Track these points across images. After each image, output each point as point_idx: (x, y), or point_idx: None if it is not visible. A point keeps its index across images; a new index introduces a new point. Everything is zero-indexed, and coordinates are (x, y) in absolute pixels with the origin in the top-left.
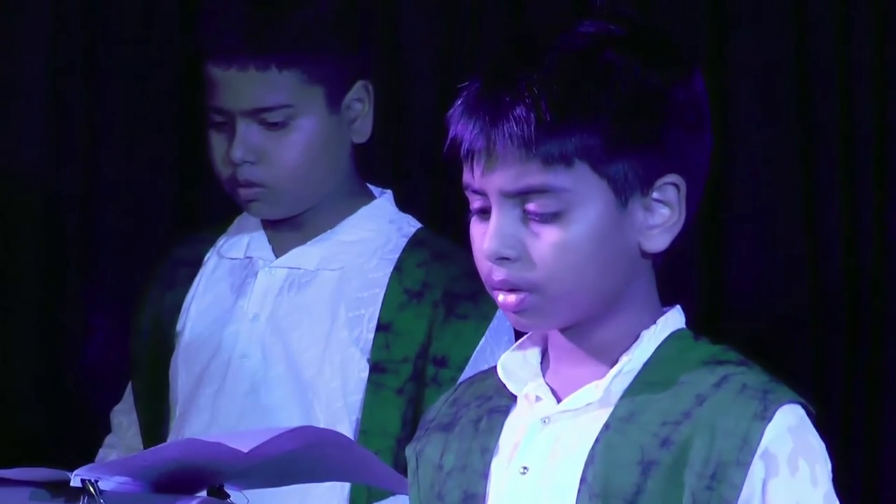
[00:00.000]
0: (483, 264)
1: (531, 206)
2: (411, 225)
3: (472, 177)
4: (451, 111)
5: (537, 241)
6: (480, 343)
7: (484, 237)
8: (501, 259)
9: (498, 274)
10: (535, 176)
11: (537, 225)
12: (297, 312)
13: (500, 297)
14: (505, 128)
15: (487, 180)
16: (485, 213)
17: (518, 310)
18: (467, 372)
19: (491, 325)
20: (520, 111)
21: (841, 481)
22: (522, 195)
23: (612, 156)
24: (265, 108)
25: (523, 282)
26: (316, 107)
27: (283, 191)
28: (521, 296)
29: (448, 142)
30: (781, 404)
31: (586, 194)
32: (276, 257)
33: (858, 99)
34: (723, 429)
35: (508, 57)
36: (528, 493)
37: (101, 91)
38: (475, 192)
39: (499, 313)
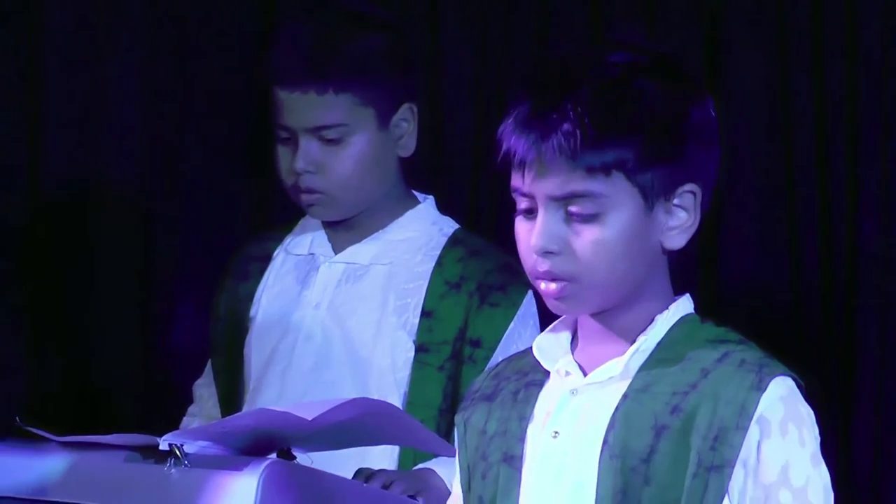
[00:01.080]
0: (529, 257)
1: (574, 209)
2: (450, 226)
3: (523, 182)
4: (502, 128)
5: (578, 238)
6: (510, 327)
7: (530, 234)
8: (547, 253)
9: (543, 265)
10: (579, 183)
11: (578, 224)
12: (353, 301)
13: (543, 286)
14: (554, 141)
15: (537, 186)
16: (530, 213)
17: (559, 297)
18: (498, 351)
19: (518, 311)
20: (567, 127)
21: (823, 447)
22: (566, 199)
23: (643, 167)
24: (323, 127)
25: (564, 273)
26: (367, 125)
27: (338, 197)
28: (562, 284)
29: (501, 154)
30: (774, 376)
31: (621, 199)
32: (335, 254)
33: (834, 116)
34: (724, 398)
35: (552, 81)
36: (559, 454)
37: (186, 109)
38: (524, 195)
39: (525, 301)
